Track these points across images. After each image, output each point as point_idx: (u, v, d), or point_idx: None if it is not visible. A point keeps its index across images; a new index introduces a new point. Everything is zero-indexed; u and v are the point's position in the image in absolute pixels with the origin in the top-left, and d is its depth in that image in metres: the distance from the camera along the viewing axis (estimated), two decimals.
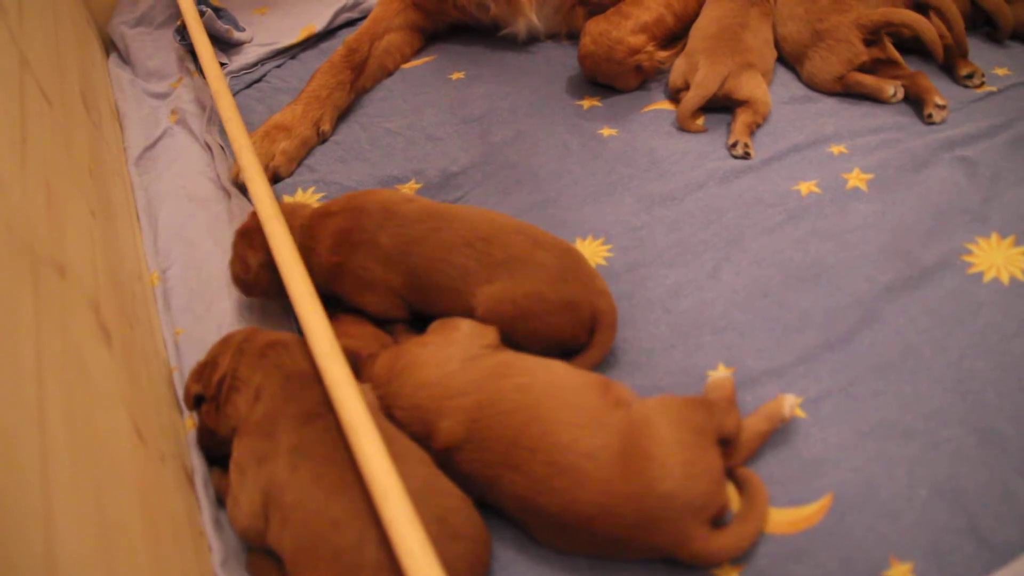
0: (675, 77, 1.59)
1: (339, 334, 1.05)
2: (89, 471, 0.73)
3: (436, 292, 1.15)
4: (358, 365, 1.07)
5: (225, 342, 1.07)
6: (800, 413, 1.06)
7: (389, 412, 1.02)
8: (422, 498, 0.85)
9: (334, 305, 1.18)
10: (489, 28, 1.85)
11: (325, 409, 0.96)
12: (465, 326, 1.08)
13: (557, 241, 1.16)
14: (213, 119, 1.69)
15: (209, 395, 1.03)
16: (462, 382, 1.00)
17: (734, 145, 1.45)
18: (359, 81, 1.72)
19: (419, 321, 1.18)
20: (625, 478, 0.89)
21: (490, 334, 1.08)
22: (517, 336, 1.10)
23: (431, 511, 0.84)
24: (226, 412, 1.01)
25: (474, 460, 0.96)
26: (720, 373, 1.11)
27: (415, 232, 1.16)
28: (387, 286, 1.17)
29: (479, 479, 0.96)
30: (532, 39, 1.84)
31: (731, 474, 0.98)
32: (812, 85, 1.60)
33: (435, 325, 1.12)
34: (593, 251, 1.31)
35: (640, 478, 0.89)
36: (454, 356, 1.03)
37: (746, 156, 1.44)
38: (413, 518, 0.82)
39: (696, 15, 1.70)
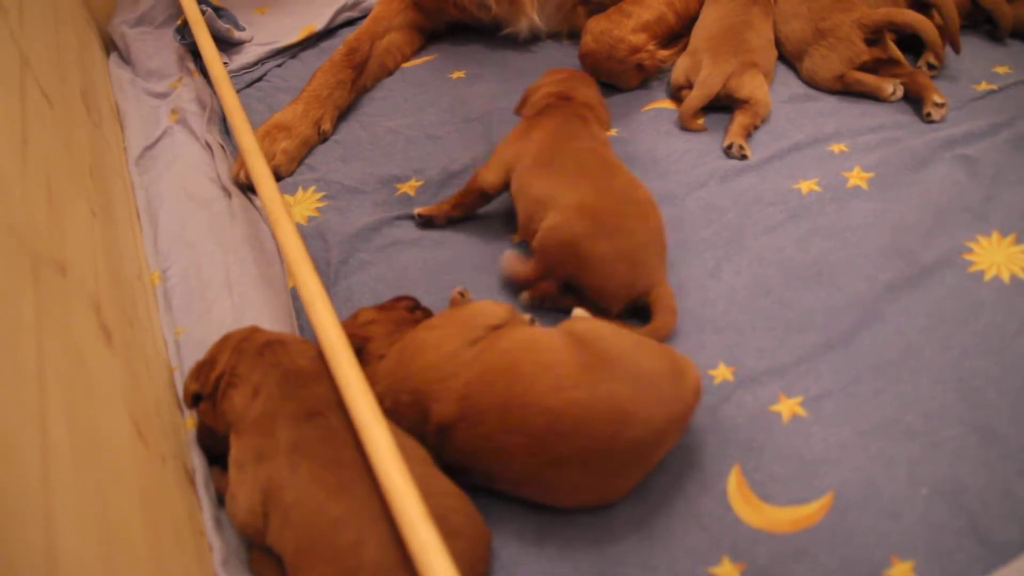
0: (677, 75, 1.60)
1: (363, 320, 1.11)
2: (90, 471, 0.73)
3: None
4: (363, 356, 1.07)
5: (224, 341, 1.07)
6: (801, 412, 1.06)
7: (397, 398, 1.02)
8: (422, 497, 0.85)
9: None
10: (490, 27, 1.85)
11: (324, 407, 0.96)
12: (473, 307, 1.09)
13: (649, 219, 1.22)
14: (213, 119, 1.69)
15: (207, 393, 1.03)
16: (457, 364, 1.00)
17: (729, 147, 1.45)
18: (360, 80, 1.72)
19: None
20: (597, 379, 0.94)
21: (498, 313, 1.07)
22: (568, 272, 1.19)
23: (431, 509, 0.84)
24: (223, 409, 1.01)
25: (471, 436, 0.97)
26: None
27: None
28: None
29: (481, 454, 0.97)
30: (533, 38, 1.84)
31: None
32: (811, 83, 1.60)
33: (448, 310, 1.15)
34: None
35: (619, 374, 0.94)
36: (454, 338, 1.03)
37: (742, 158, 1.44)
38: (427, 517, 0.82)
39: (697, 14, 1.70)
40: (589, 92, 1.43)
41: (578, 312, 1.14)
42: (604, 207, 1.19)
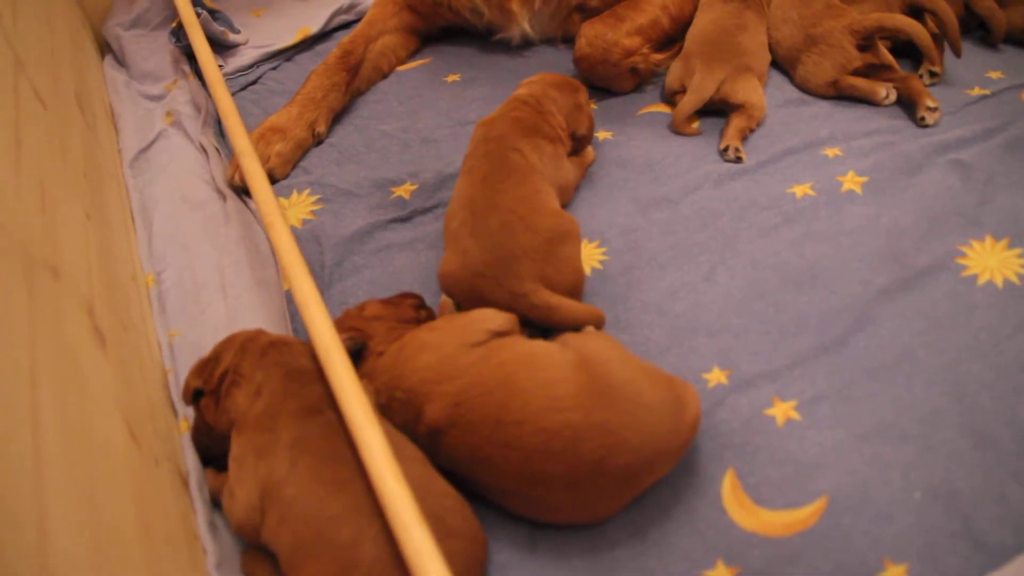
0: (671, 80, 1.60)
1: (368, 315, 1.11)
2: (83, 473, 0.73)
3: None
4: (363, 353, 1.08)
5: (229, 340, 1.08)
6: (795, 416, 1.06)
7: (392, 395, 1.02)
8: (418, 497, 0.85)
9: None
10: (483, 32, 1.85)
11: (326, 405, 0.97)
12: (476, 313, 1.10)
13: (504, 231, 1.16)
14: (208, 121, 1.69)
15: (209, 389, 1.03)
16: (453, 368, 1.00)
17: (725, 150, 1.45)
18: (354, 83, 1.72)
19: None
20: (594, 404, 0.93)
21: (500, 320, 1.08)
22: None
23: (427, 509, 0.84)
24: (225, 406, 1.01)
25: (461, 444, 0.97)
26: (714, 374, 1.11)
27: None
28: None
29: (470, 462, 0.97)
30: (526, 44, 1.85)
31: None
32: (805, 89, 1.60)
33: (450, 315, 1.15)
34: (588, 254, 1.31)
35: (618, 401, 0.94)
36: (453, 341, 1.03)
37: (738, 160, 1.44)
38: (421, 521, 0.82)
39: (692, 18, 1.70)
40: (559, 103, 1.41)
41: (587, 328, 1.14)
42: (468, 232, 1.18)
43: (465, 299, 1.17)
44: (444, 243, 1.24)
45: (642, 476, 0.96)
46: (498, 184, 1.22)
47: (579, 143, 1.45)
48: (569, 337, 1.06)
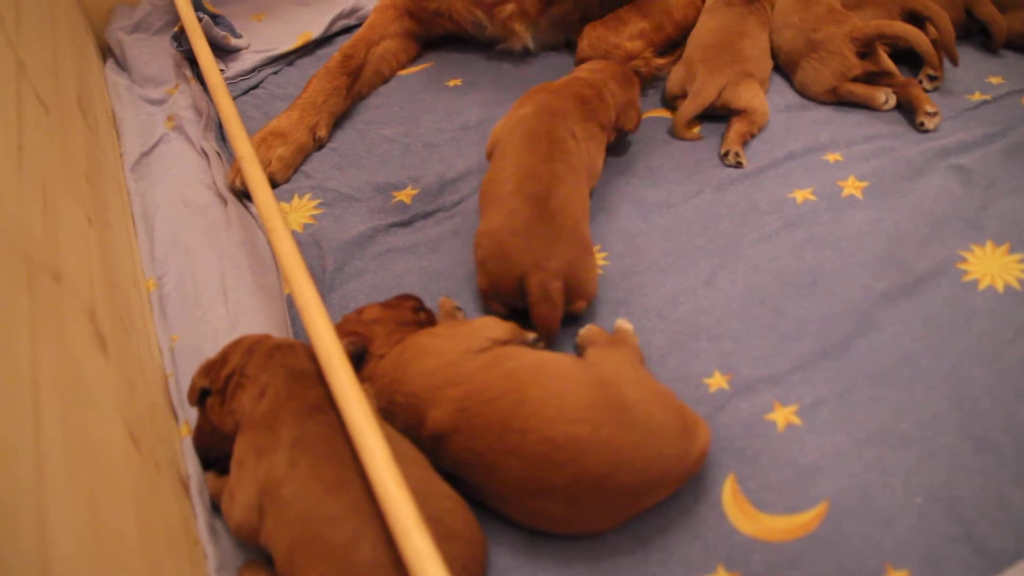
0: (672, 85, 1.60)
1: (368, 318, 1.11)
2: (84, 478, 0.73)
3: None
4: (364, 357, 1.08)
5: (237, 343, 1.08)
6: (796, 420, 1.06)
7: (392, 398, 1.02)
8: (419, 499, 0.85)
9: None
10: (484, 44, 1.85)
11: (327, 405, 0.97)
12: (478, 321, 1.10)
13: (561, 214, 1.19)
14: (210, 125, 1.69)
15: (216, 388, 1.04)
16: (457, 373, 1.00)
17: (726, 154, 1.46)
18: (355, 87, 1.72)
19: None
20: (602, 420, 0.93)
21: (501, 329, 1.08)
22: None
23: (428, 512, 0.84)
24: (231, 407, 1.02)
25: (465, 449, 0.97)
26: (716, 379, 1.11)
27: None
28: None
29: (473, 468, 0.97)
30: (528, 54, 1.85)
31: None
32: (804, 95, 1.60)
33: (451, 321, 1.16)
34: None
35: (627, 421, 0.93)
36: (457, 347, 1.04)
37: (738, 165, 1.45)
38: (422, 525, 0.82)
39: (695, 24, 1.70)
40: (616, 97, 1.44)
41: (621, 324, 1.16)
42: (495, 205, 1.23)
43: (488, 257, 1.19)
44: (481, 209, 1.27)
45: (643, 498, 0.95)
46: (558, 171, 1.24)
47: (622, 136, 1.49)
48: (590, 350, 1.06)
